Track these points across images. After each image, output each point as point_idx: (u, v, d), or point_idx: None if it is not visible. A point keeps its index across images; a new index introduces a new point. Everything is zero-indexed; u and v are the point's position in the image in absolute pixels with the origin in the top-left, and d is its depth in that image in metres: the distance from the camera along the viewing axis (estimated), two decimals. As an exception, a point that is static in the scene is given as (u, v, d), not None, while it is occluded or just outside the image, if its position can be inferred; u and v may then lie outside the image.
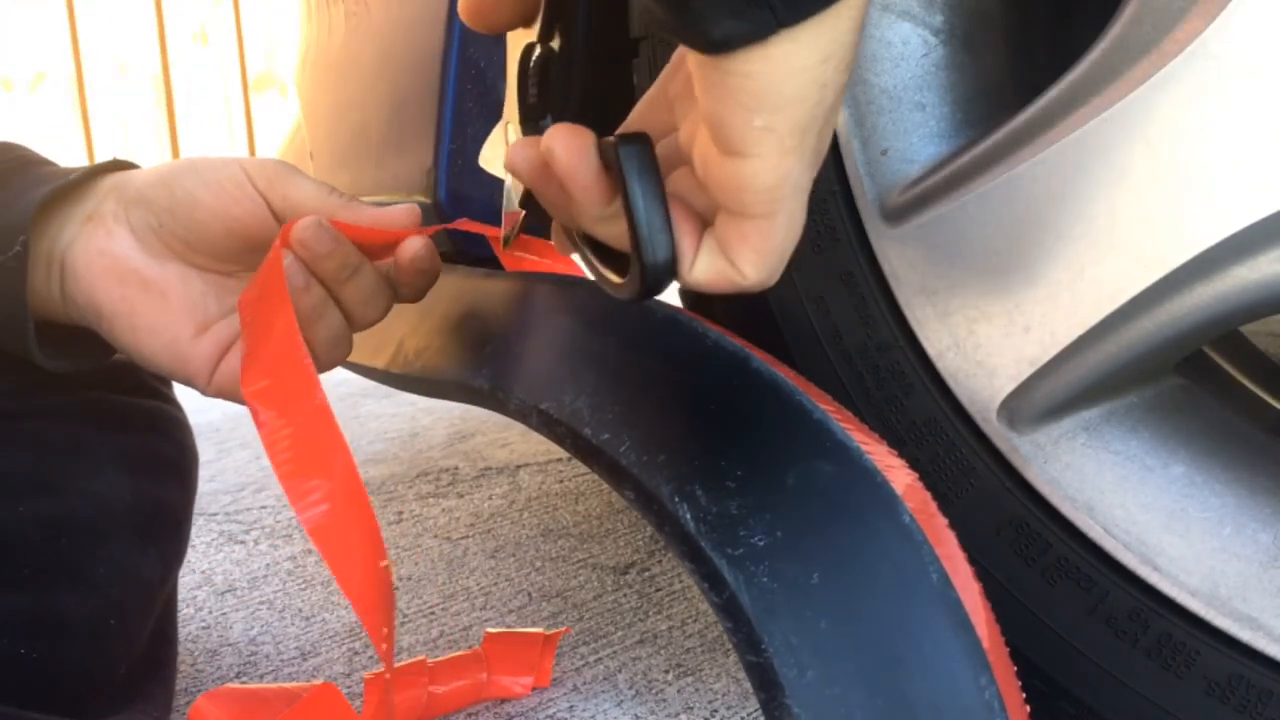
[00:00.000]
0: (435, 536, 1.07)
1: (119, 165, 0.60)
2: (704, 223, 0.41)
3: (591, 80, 0.52)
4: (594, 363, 0.54)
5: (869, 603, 0.43)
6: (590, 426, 0.50)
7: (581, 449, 0.50)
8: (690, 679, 0.76)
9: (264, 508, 1.19)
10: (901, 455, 0.52)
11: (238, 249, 0.58)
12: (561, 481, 1.24)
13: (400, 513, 1.15)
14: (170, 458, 0.69)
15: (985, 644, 0.43)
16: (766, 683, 0.41)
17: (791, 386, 0.50)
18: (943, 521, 0.49)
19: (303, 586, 0.96)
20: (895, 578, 0.44)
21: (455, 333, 0.64)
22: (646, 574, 0.95)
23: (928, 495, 0.50)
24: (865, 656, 0.42)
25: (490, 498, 1.19)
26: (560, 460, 1.33)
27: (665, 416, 0.50)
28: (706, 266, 0.40)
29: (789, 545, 0.44)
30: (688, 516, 0.45)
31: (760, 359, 0.51)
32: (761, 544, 0.44)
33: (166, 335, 0.57)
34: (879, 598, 0.43)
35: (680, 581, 0.93)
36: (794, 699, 0.41)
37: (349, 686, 0.76)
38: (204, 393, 0.58)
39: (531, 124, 0.53)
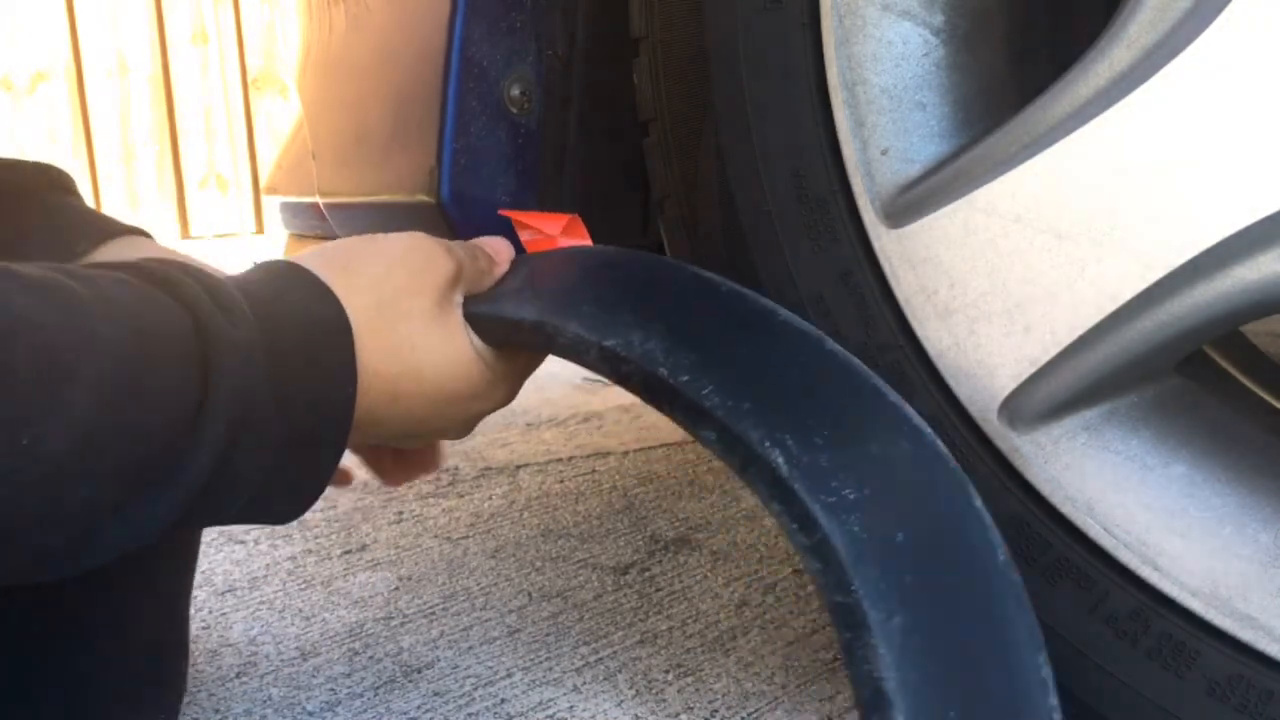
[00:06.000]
0: (435, 536, 1.07)
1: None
2: None
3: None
4: (662, 315, 0.54)
5: (947, 568, 0.46)
6: (666, 368, 0.50)
7: (653, 389, 0.51)
8: (690, 679, 0.76)
9: (264, 507, 1.19)
10: (903, 455, 0.53)
11: None
12: (561, 481, 1.24)
13: (400, 513, 1.15)
14: None
15: None
16: (853, 623, 0.43)
17: (868, 370, 0.53)
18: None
19: (303, 586, 0.96)
20: (969, 552, 0.46)
21: (499, 279, 0.64)
22: (646, 574, 0.95)
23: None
24: (944, 614, 0.44)
25: (490, 498, 1.19)
26: (560, 460, 1.33)
27: (747, 371, 0.51)
28: None
29: (877, 503, 0.46)
30: (779, 460, 0.46)
31: (834, 343, 0.54)
32: (852, 497, 0.46)
33: None
34: (956, 566, 0.46)
35: (680, 581, 0.93)
36: (880, 639, 0.42)
37: (349, 687, 0.76)
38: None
39: None
